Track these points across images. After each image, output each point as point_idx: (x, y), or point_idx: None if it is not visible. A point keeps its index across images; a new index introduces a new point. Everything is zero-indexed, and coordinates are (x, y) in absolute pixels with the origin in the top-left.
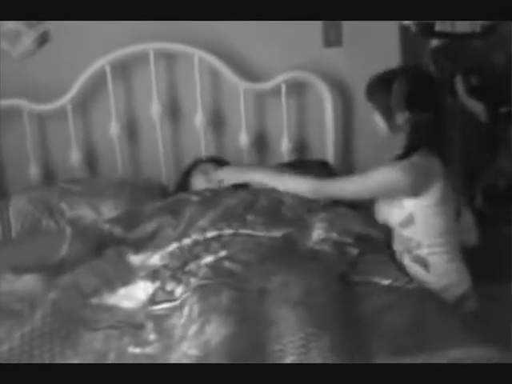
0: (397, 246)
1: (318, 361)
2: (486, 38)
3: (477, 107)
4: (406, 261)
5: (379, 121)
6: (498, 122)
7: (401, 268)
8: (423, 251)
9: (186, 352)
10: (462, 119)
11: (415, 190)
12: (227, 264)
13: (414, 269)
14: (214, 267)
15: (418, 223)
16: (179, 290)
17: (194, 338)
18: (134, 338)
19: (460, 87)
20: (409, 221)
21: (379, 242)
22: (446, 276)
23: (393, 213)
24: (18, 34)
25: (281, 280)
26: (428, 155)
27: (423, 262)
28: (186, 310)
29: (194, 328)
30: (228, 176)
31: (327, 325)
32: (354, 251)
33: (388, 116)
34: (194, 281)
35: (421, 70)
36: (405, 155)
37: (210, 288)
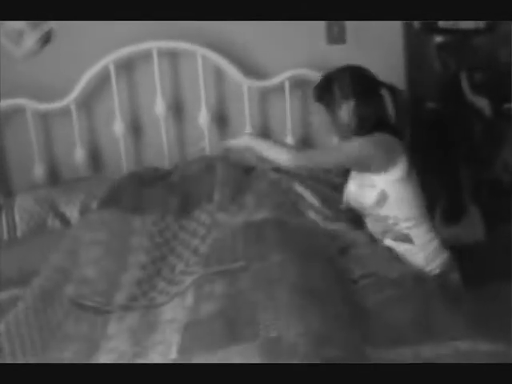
0: (375, 229)
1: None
2: (489, 34)
3: (481, 103)
4: (389, 242)
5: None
6: (502, 118)
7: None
8: (401, 226)
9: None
10: (466, 115)
11: (385, 162)
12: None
13: (400, 247)
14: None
15: (391, 199)
16: (171, 288)
17: (183, 313)
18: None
19: (464, 83)
20: (382, 198)
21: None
22: (427, 245)
23: (365, 195)
24: (22, 33)
25: (277, 260)
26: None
27: (406, 238)
28: (178, 299)
29: (185, 312)
30: (236, 142)
31: (326, 306)
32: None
33: (335, 111)
34: (185, 278)
35: (358, 66)
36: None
37: (201, 280)
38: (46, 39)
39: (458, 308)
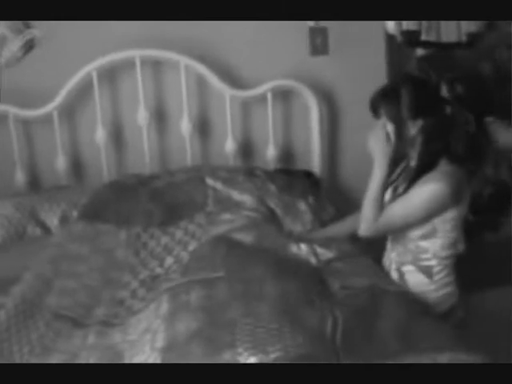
0: (400, 257)
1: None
2: (471, 47)
3: (463, 116)
4: (408, 269)
5: (389, 134)
6: (483, 131)
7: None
8: (432, 262)
9: (151, 344)
10: (447, 128)
11: (456, 199)
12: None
13: (416, 277)
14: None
15: (438, 235)
16: (150, 296)
17: (159, 331)
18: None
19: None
20: (431, 233)
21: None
22: (445, 286)
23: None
24: (4, 40)
25: (255, 275)
26: (452, 162)
27: (428, 272)
28: (153, 306)
29: (159, 321)
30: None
31: (303, 321)
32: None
33: (400, 128)
34: (163, 285)
35: (421, 76)
36: (429, 165)
37: (179, 289)
38: (30, 46)
39: (440, 321)
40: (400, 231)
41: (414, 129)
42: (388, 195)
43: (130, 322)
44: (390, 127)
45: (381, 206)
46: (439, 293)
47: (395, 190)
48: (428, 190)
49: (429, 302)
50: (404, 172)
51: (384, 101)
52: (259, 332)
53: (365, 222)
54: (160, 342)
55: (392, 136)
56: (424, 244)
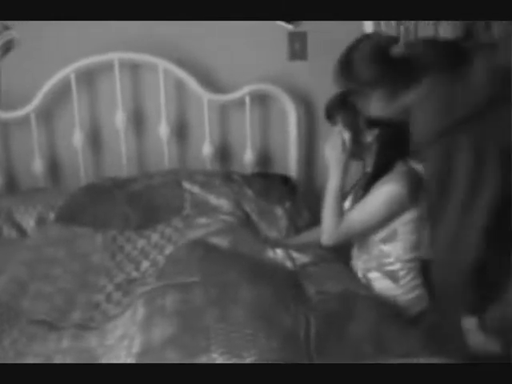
0: (365, 264)
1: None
2: None
3: None
4: (373, 275)
5: (345, 142)
6: None
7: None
8: (396, 266)
9: (127, 350)
10: None
11: (414, 198)
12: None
13: (383, 283)
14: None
15: (399, 238)
16: (125, 300)
17: (135, 337)
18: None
19: None
20: (392, 236)
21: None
22: (413, 290)
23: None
24: None
25: (230, 279)
26: (408, 163)
27: (394, 276)
28: (130, 312)
29: (135, 328)
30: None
31: (277, 326)
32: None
33: (357, 135)
34: (139, 289)
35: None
36: (384, 170)
37: (155, 293)
38: (7, 48)
39: (413, 325)
40: (362, 236)
41: (370, 136)
42: (348, 202)
43: (106, 327)
44: (346, 135)
45: (340, 213)
46: (408, 296)
47: (355, 196)
48: (385, 192)
49: (399, 306)
50: (362, 178)
51: (340, 108)
52: (234, 337)
53: (326, 232)
54: (136, 348)
55: (348, 143)
56: (386, 248)
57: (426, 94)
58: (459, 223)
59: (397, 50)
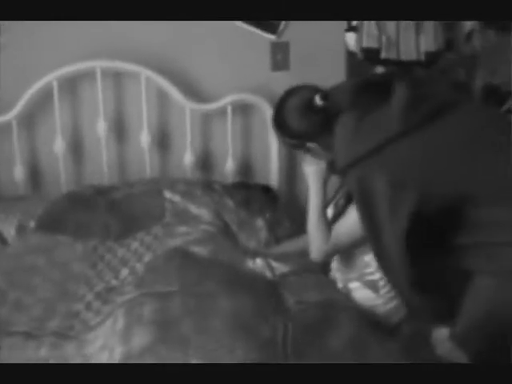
0: (346, 275)
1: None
2: (429, 66)
3: None
4: (354, 285)
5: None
6: None
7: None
8: (376, 276)
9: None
10: None
11: None
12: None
13: (363, 292)
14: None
15: None
16: (105, 309)
17: (115, 347)
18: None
19: None
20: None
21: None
22: (392, 300)
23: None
24: None
25: (209, 289)
26: None
27: (374, 286)
28: (110, 322)
29: (116, 338)
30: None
31: (255, 336)
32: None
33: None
34: (118, 298)
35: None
36: None
37: (134, 302)
38: None
39: (392, 336)
40: (350, 249)
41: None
42: (330, 210)
43: (86, 337)
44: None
45: (326, 228)
46: (387, 306)
47: (337, 205)
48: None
49: (379, 316)
50: (342, 187)
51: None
52: (212, 349)
53: (315, 249)
54: (116, 358)
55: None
56: (366, 258)
57: (340, 122)
58: (387, 245)
59: (318, 102)
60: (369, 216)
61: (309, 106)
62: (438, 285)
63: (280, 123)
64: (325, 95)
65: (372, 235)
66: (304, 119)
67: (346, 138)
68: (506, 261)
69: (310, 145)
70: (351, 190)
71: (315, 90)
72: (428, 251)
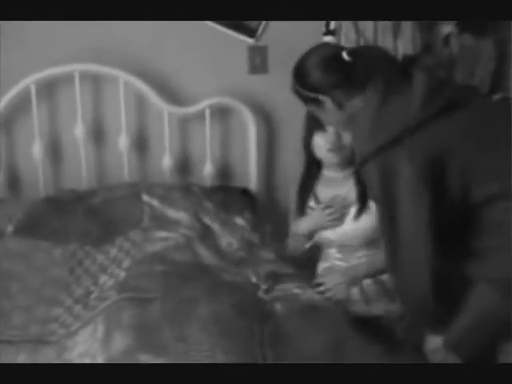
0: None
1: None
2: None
3: None
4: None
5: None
6: None
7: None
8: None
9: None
10: None
11: None
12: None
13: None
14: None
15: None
16: (85, 313)
17: (97, 355)
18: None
19: None
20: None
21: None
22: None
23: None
24: None
25: (189, 295)
26: None
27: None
28: (90, 329)
29: (96, 345)
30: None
31: (236, 338)
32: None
33: None
34: (98, 303)
35: None
36: None
37: (113, 307)
38: None
39: (373, 337)
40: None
41: None
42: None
43: (66, 343)
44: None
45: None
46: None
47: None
48: None
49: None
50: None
51: None
52: (192, 356)
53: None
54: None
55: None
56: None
57: (362, 107)
58: (410, 235)
59: (345, 57)
60: (391, 206)
61: (335, 59)
62: (448, 287)
63: (302, 73)
64: (352, 52)
65: (391, 227)
66: (328, 71)
67: (368, 126)
68: (496, 266)
69: (323, 99)
70: (371, 179)
71: (341, 47)
72: (444, 249)
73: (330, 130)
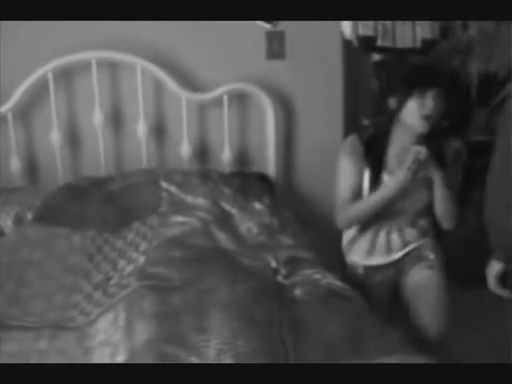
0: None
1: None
2: (425, 54)
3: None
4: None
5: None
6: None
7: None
8: None
9: (111, 358)
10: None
11: None
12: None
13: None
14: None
15: None
16: (105, 300)
17: (119, 344)
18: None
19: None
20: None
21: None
22: None
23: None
24: None
25: (209, 284)
26: None
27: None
28: (111, 317)
29: (118, 335)
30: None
31: (256, 325)
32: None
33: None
34: (118, 291)
35: None
36: None
37: (134, 295)
38: None
39: (389, 323)
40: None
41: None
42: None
43: (87, 330)
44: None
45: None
46: None
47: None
48: None
49: None
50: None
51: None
52: (213, 344)
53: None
54: (121, 356)
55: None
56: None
57: None
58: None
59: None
60: None
61: None
62: None
63: None
64: None
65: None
66: None
67: None
68: None
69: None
70: None
71: None
72: None
73: (429, 95)
